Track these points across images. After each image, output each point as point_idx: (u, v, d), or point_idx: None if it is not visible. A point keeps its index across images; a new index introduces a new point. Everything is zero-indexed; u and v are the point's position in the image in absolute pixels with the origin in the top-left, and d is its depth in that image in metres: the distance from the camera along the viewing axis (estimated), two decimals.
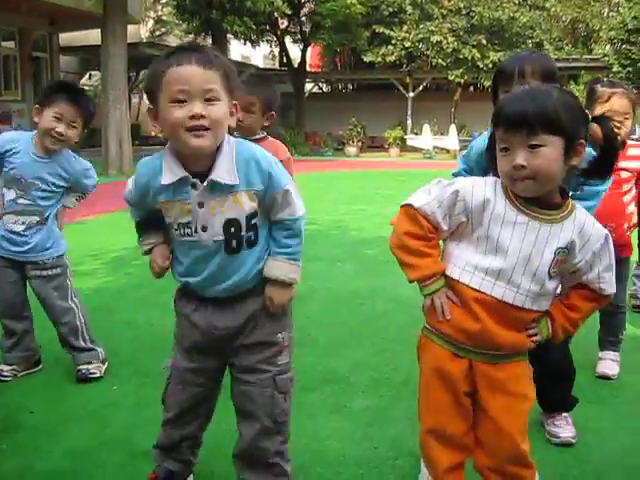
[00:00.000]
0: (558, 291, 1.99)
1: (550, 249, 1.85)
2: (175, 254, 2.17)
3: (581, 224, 1.88)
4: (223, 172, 1.96)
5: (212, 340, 2.16)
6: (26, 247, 3.34)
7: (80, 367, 3.43)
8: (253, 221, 2.04)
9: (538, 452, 2.04)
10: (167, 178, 1.98)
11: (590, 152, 1.94)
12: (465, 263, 1.90)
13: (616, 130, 2.84)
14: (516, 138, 1.79)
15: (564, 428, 2.79)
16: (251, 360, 2.15)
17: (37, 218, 3.33)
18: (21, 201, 3.30)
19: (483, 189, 1.89)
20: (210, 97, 1.92)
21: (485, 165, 2.07)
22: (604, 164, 1.97)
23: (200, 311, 2.16)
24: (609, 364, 3.54)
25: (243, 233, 2.03)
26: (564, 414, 2.84)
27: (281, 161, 3.36)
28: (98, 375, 3.43)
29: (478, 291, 1.88)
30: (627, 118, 3.27)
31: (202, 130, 1.91)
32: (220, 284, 2.08)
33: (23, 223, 3.32)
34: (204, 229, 2.02)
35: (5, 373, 3.41)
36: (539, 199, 1.85)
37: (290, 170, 3.44)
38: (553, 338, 1.99)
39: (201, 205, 2.00)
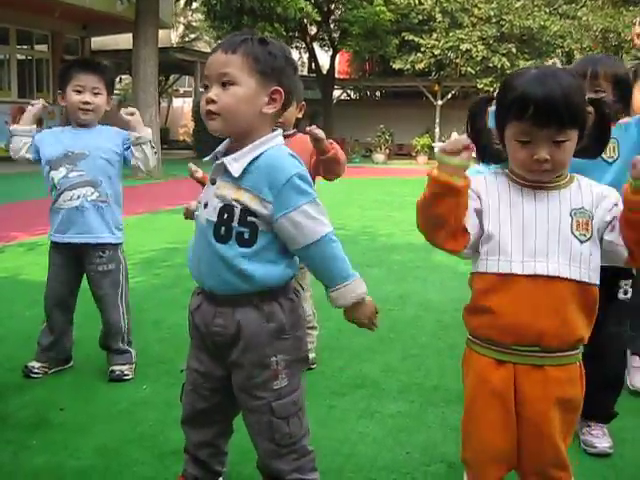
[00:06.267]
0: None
1: (565, 211, 1.82)
2: None
3: (588, 185, 1.88)
4: (234, 159, 1.92)
5: (210, 343, 2.07)
6: (84, 227, 3.30)
7: (114, 368, 3.43)
8: (250, 218, 1.90)
9: (572, 461, 1.99)
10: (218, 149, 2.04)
11: None
12: (496, 255, 1.84)
13: None
14: (543, 133, 1.75)
15: (601, 438, 2.72)
16: (244, 382, 2.04)
17: (91, 189, 3.29)
18: (72, 175, 3.28)
19: (484, 180, 1.93)
20: (225, 81, 1.88)
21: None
22: (599, 143, 1.92)
23: (200, 310, 2.08)
24: None
25: (234, 224, 1.91)
26: (601, 424, 2.78)
27: (311, 158, 3.31)
28: (130, 377, 3.43)
29: (512, 275, 1.81)
30: None
31: (212, 114, 1.90)
32: (209, 274, 1.98)
33: (78, 197, 3.28)
34: (206, 205, 1.98)
35: (36, 370, 3.41)
36: None
37: (318, 166, 3.37)
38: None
39: (213, 182, 1.97)
